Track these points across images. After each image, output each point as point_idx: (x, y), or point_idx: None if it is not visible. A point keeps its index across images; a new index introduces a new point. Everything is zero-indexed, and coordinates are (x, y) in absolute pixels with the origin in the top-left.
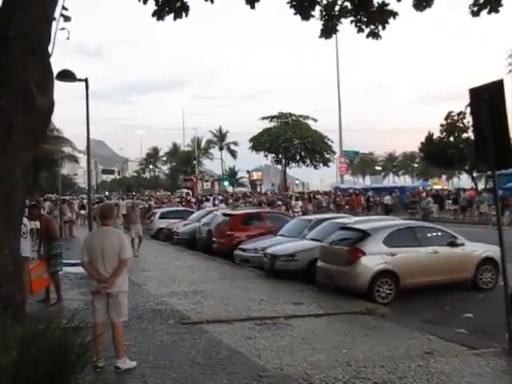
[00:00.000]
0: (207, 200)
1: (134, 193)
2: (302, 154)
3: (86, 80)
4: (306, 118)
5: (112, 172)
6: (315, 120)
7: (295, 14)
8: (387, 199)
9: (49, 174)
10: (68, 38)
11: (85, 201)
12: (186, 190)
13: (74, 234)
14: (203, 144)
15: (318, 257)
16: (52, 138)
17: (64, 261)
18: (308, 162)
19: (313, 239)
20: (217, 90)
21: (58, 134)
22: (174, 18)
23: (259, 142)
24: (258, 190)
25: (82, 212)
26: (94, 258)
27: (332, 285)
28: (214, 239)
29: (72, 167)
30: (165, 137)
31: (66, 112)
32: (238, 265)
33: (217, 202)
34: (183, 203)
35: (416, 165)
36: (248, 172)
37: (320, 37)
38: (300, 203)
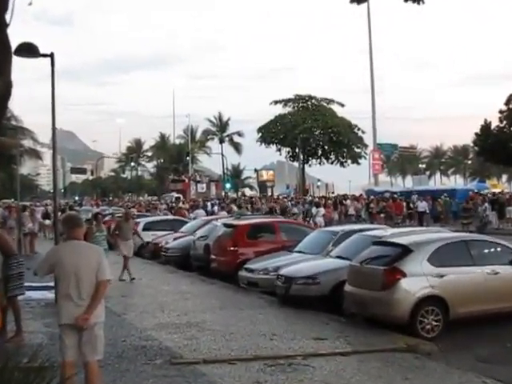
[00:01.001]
0: (204, 206)
1: (110, 197)
2: (326, 147)
3: (51, 55)
4: (331, 101)
5: (83, 171)
6: (342, 105)
7: None
8: (422, 206)
9: (4, 173)
10: (30, 4)
11: (50, 207)
12: (175, 194)
13: (37, 250)
14: (199, 135)
15: (345, 279)
16: (9, 128)
17: (25, 283)
18: (333, 157)
19: (339, 257)
20: (217, 68)
21: (17, 123)
22: None
23: (270, 133)
24: (269, 193)
25: (47, 222)
26: (67, 281)
27: (363, 314)
28: (213, 257)
29: (34, 165)
30: (150, 127)
31: (27, 96)
32: (244, 289)
33: (216, 208)
34: (173, 211)
35: (469, 161)
36: (256, 171)
37: (351, 2)
38: (323, 210)
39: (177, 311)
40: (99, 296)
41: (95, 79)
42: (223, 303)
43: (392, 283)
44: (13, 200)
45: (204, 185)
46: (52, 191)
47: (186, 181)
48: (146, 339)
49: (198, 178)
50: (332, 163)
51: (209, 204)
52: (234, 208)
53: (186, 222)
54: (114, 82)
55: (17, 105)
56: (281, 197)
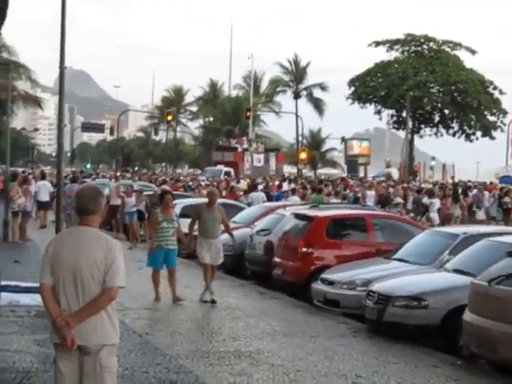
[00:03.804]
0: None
1: (136, 167)
2: (446, 112)
3: None
4: (457, 46)
5: (100, 128)
6: (473, 51)
7: None
8: None
9: None
10: None
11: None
12: (224, 168)
13: (29, 236)
14: (264, 86)
15: (465, 304)
16: None
17: (8, 282)
18: (455, 127)
19: (457, 271)
20: None
21: (10, 56)
22: None
23: (367, 88)
24: (362, 173)
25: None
26: (62, 281)
27: (489, 357)
28: (277, 260)
29: (30, 117)
30: (196, 70)
31: (25, 19)
32: (319, 309)
33: (285, 190)
34: (226, 191)
35: None
36: (344, 141)
37: None
38: (438, 203)
39: (222, 334)
40: (99, 304)
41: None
42: (288, 327)
43: None
44: None
45: (261, 156)
46: (55, 155)
47: (239, 149)
48: (176, 371)
49: (252, 146)
50: (454, 135)
51: (275, 184)
52: (309, 192)
53: (242, 209)
54: (145, 6)
55: (9, 31)
56: (376, 179)
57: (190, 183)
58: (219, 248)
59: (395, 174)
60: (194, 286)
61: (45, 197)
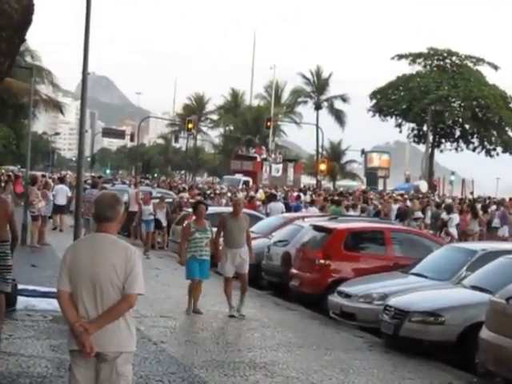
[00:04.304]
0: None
1: (155, 174)
2: (466, 127)
3: None
4: (479, 61)
5: (120, 134)
6: (495, 67)
7: None
8: None
9: (9, 130)
10: None
11: (67, 179)
12: (243, 178)
13: (47, 241)
14: (286, 96)
15: (482, 321)
16: (21, 66)
17: (25, 286)
18: (476, 142)
19: (475, 287)
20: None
21: (33, 61)
22: None
23: (389, 101)
24: (381, 186)
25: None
26: (80, 288)
27: (505, 376)
28: (294, 271)
29: (51, 121)
30: (218, 78)
31: (47, 21)
32: (335, 322)
33: (302, 202)
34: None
35: None
36: (364, 153)
37: None
38: (457, 218)
39: (237, 345)
40: (118, 311)
41: (142, 5)
42: (303, 339)
43: None
44: (19, 167)
45: (280, 166)
46: (75, 159)
47: (258, 159)
48: (191, 381)
49: (271, 156)
50: (474, 150)
51: (294, 194)
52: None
53: (260, 219)
54: (168, 13)
55: (33, 35)
56: (395, 193)
57: (208, 191)
58: (244, 258)
59: (423, 186)
60: (212, 296)
61: (62, 200)
